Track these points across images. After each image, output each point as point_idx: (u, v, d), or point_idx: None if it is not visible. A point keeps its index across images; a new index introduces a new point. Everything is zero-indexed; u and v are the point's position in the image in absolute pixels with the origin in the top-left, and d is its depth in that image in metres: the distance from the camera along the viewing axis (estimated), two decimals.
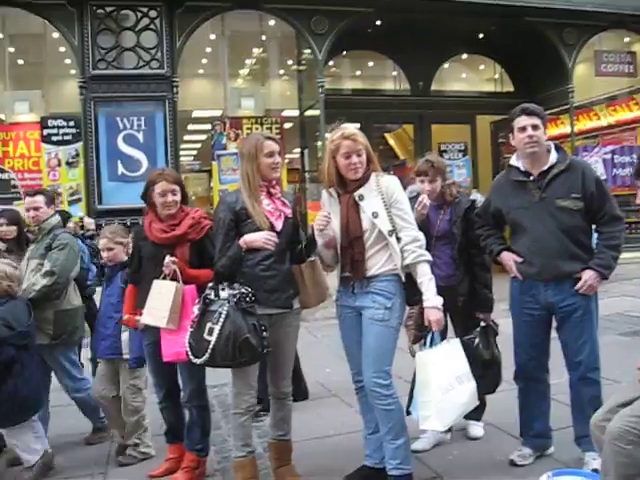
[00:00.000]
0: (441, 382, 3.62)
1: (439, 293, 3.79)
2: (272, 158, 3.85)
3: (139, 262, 4.26)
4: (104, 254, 4.73)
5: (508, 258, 4.17)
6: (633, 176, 2.98)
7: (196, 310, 3.75)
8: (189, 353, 3.71)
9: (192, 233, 4.15)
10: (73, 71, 10.50)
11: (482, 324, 4.40)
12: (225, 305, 3.64)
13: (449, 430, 4.59)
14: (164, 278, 4.00)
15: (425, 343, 3.81)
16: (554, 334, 4.15)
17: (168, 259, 3.96)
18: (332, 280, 4.10)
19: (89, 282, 5.95)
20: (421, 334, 3.96)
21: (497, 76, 14.35)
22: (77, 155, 9.93)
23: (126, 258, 4.65)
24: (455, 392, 3.64)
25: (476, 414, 4.52)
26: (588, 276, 3.91)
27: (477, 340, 4.31)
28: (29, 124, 10.31)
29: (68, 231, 6.73)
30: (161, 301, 3.95)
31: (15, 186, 10.10)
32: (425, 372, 3.69)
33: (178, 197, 4.15)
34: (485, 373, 4.22)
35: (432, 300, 3.69)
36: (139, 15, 9.80)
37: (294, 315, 4.00)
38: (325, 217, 3.75)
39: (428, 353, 3.76)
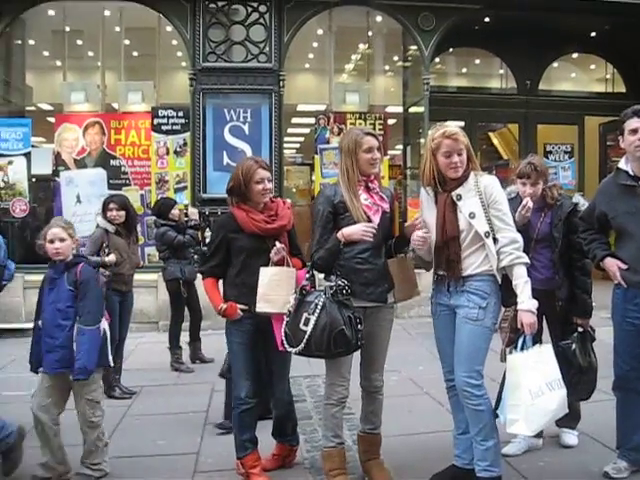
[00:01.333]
0: (531, 386, 3.57)
1: (537, 296, 3.73)
2: (371, 154, 3.88)
3: (226, 255, 4.13)
4: (54, 245, 4.12)
5: (612, 264, 4.06)
6: None
7: (292, 300, 3.81)
8: (284, 342, 3.77)
9: (290, 223, 4.22)
10: (184, 63, 10.80)
11: (579, 330, 4.33)
12: (322, 296, 3.71)
13: (540, 436, 4.52)
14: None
15: (517, 346, 3.77)
16: None
17: (279, 245, 3.99)
18: (427, 278, 4.11)
19: (4, 282, 4.89)
20: (514, 337, 3.91)
21: (608, 76, 13.83)
22: (185, 144, 10.21)
23: (71, 257, 4.20)
24: (545, 398, 3.58)
25: (570, 423, 4.44)
26: None
27: (574, 346, 4.27)
28: (140, 113, 10.65)
29: (172, 217, 7.03)
30: (280, 287, 3.93)
31: (125, 172, 10.50)
32: (516, 375, 3.65)
33: (272, 185, 4.18)
34: (580, 379, 4.20)
35: (526, 303, 3.64)
36: (249, 10, 9.97)
37: (388, 309, 4.04)
38: (421, 238, 3.75)
39: (520, 356, 3.71)
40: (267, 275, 3.96)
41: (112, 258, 5.86)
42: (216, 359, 6.81)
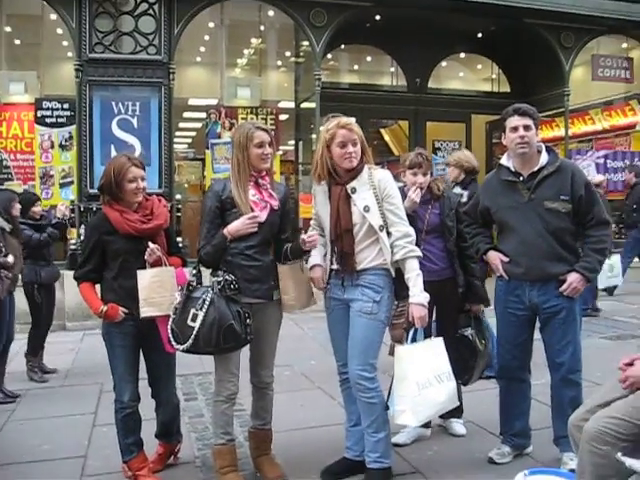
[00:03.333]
0: (418, 378, 3.62)
1: (433, 288, 3.81)
2: (262, 149, 3.83)
3: (101, 258, 3.94)
4: None
5: (494, 257, 4.19)
6: None
7: (179, 297, 3.73)
8: (171, 340, 3.68)
9: (167, 221, 4.09)
10: (70, 54, 10.41)
11: (472, 316, 4.51)
12: (209, 292, 3.64)
13: (428, 426, 4.63)
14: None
15: (407, 339, 3.84)
16: (537, 335, 4.18)
17: (152, 246, 3.84)
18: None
19: None
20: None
21: (494, 76, 14.35)
22: (71, 138, 9.87)
23: None
24: (433, 389, 3.64)
25: (456, 412, 4.57)
26: (573, 278, 3.93)
27: (471, 331, 4.42)
28: (23, 105, 10.22)
29: (33, 214, 6.56)
30: (163, 288, 3.82)
31: (7, 167, 10.05)
32: (402, 367, 3.69)
33: (146, 183, 4.00)
34: (478, 363, 4.36)
35: (418, 296, 3.70)
36: (138, 0, 9.75)
37: (275, 306, 3.98)
38: (309, 237, 3.78)
39: (407, 348, 3.77)
40: (146, 278, 3.83)
41: (10, 259, 5.55)
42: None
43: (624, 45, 12.98)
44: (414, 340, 3.78)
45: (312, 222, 4.17)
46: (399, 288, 3.83)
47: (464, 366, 4.45)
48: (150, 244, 3.86)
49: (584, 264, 3.97)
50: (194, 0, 10.01)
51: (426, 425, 4.55)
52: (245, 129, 3.89)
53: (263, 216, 3.83)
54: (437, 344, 3.84)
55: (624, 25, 12.03)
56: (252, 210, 3.79)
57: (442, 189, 4.66)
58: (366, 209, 3.74)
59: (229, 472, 3.87)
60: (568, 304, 3.99)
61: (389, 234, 3.75)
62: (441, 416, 4.40)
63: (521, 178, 4.05)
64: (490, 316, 4.43)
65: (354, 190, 3.78)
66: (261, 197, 3.87)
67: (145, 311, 3.82)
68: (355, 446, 4.01)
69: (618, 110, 13.23)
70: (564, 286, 3.94)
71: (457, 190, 4.78)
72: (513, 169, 4.09)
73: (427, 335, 3.94)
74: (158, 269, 3.88)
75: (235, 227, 3.75)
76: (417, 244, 3.88)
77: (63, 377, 6.69)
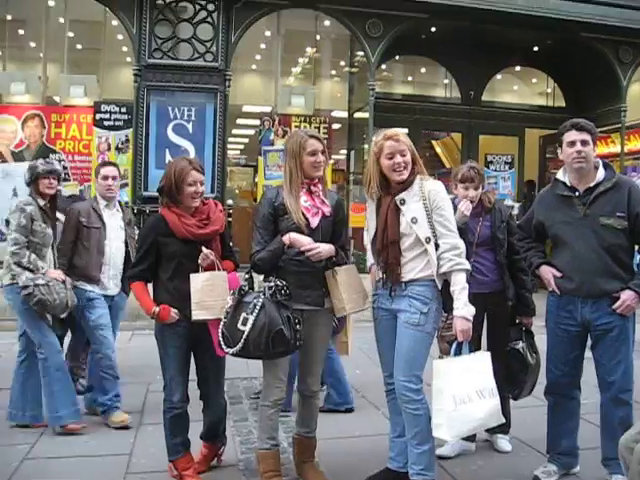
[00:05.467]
0: (455, 392, 3.56)
1: (485, 300, 3.79)
2: (315, 157, 3.85)
3: (155, 259, 4.00)
4: None
5: (547, 272, 4.15)
6: None
7: (230, 301, 3.76)
8: (221, 343, 3.71)
9: (223, 226, 4.14)
10: (129, 59, 10.64)
11: (523, 329, 4.48)
12: (260, 297, 3.67)
13: (473, 440, 4.59)
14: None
15: (450, 352, 3.81)
16: (588, 353, 4.12)
17: (206, 251, 3.90)
18: (366, 284, 4.12)
19: None
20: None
21: (549, 90, 14.18)
22: (127, 141, 10.05)
23: None
24: (472, 405, 3.57)
25: (501, 428, 4.52)
26: (627, 296, 3.87)
27: (522, 344, 4.40)
28: (83, 108, 10.44)
29: None
30: (215, 292, 3.85)
31: (65, 167, 10.27)
32: (440, 380, 3.64)
33: (205, 188, 4.08)
34: (528, 377, 4.33)
35: (461, 310, 3.66)
36: (197, 7, 9.89)
37: (326, 314, 3.99)
38: None
39: (445, 362, 3.75)
40: (199, 282, 3.87)
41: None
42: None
43: None
44: (458, 353, 3.74)
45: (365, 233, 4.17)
46: (447, 300, 3.80)
47: (514, 380, 4.41)
48: (204, 249, 3.91)
49: (638, 282, 3.91)
50: (252, 9, 10.13)
51: (471, 439, 4.52)
52: (298, 137, 3.92)
53: (315, 221, 3.86)
54: (483, 358, 3.78)
55: None
56: (303, 215, 3.82)
57: (493, 201, 4.64)
58: (414, 220, 3.73)
59: (273, 477, 3.90)
60: (621, 322, 3.93)
61: (437, 246, 3.73)
62: (487, 430, 4.36)
63: (577, 193, 4.01)
64: (541, 332, 4.37)
65: (403, 202, 3.78)
66: (313, 203, 3.89)
67: (197, 314, 3.85)
68: (399, 457, 3.99)
69: None
70: (617, 303, 3.88)
71: (508, 202, 4.76)
72: (569, 184, 4.05)
73: (474, 349, 3.92)
74: (211, 273, 3.92)
75: (298, 237, 3.77)
76: (468, 256, 3.86)
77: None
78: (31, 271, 4.81)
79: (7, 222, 5.01)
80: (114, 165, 5.49)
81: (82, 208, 5.22)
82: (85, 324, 5.15)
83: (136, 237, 5.23)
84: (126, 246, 5.30)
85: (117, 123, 10.10)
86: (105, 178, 5.24)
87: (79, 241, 5.12)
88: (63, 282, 4.88)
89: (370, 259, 4.08)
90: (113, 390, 5.15)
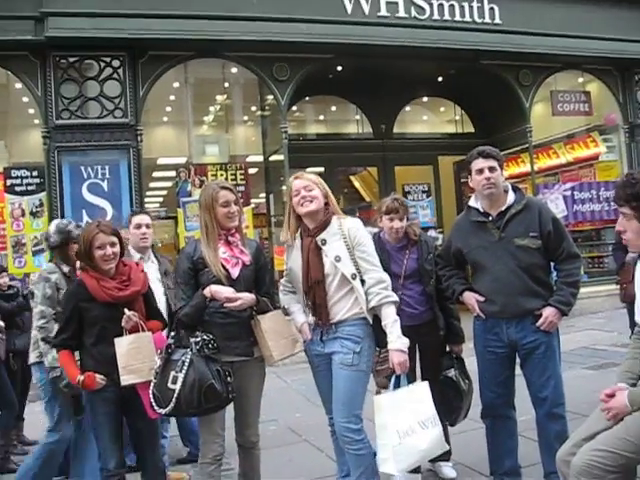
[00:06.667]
0: (399, 426, 3.60)
1: (415, 332, 3.82)
2: (227, 208, 3.85)
3: (79, 325, 3.88)
4: None
5: (470, 297, 4.23)
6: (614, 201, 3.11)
7: (158, 360, 3.69)
8: (153, 404, 3.62)
9: (145, 286, 4.07)
10: (37, 121, 10.42)
11: (454, 356, 4.54)
12: (188, 353, 3.60)
13: (418, 471, 4.59)
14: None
15: (388, 386, 3.83)
16: (518, 371, 4.20)
17: (128, 313, 3.82)
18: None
19: None
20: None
21: (457, 117, 14.60)
22: (41, 205, 9.83)
23: None
24: (415, 437, 3.62)
25: (443, 455, 4.53)
26: (548, 313, 3.98)
27: (454, 372, 4.44)
28: None
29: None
30: (141, 354, 3.78)
31: None
32: (382, 416, 3.66)
33: (117, 249, 3.95)
34: (464, 403, 4.37)
35: (395, 342, 3.70)
36: (102, 65, 9.79)
37: (257, 363, 3.94)
38: None
39: (385, 396, 3.76)
40: (124, 345, 3.79)
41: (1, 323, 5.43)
42: None
43: (580, 80, 13.27)
44: (397, 386, 3.76)
45: (282, 280, 4.19)
46: (380, 335, 3.82)
47: (450, 407, 4.46)
48: (126, 311, 3.83)
49: (558, 298, 4.03)
50: (157, 62, 10.10)
51: (417, 470, 4.52)
52: (210, 190, 3.91)
53: (235, 272, 3.84)
54: (421, 389, 3.83)
55: (577, 61, 12.32)
56: (223, 267, 3.79)
57: (418, 234, 4.71)
58: (337, 259, 3.77)
59: None
60: (546, 339, 4.04)
61: (363, 282, 3.77)
62: (430, 460, 4.37)
63: (490, 218, 4.12)
64: (470, 355, 4.44)
65: (324, 242, 3.82)
66: (232, 254, 3.87)
67: (125, 379, 3.76)
68: None
69: (580, 142, 13.46)
70: (540, 321, 3.99)
71: (432, 234, 4.86)
72: (482, 210, 4.16)
73: (412, 380, 3.95)
74: (135, 335, 3.84)
75: (218, 289, 3.72)
76: (395, 289, 3.90)
77: None
78: None
79: (32, 294, 4.75)
80: (145, 213, 5.32)
81: None
82: None
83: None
84: (166, 299, 5.01)
85: (29, 188, 9.86)
86: (138, 227, 5.07)
87: None
88: None
89: (282, 300, 4.12)
90: None
